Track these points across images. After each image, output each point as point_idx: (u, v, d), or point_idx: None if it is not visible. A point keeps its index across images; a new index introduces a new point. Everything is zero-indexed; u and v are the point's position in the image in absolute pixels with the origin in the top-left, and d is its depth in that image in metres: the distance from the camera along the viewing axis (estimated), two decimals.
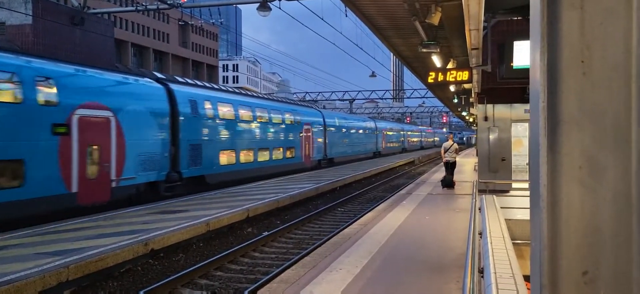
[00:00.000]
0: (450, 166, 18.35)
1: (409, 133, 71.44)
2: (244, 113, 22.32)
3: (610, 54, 1.40)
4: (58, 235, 9.79)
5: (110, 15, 25.89)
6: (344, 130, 38.72)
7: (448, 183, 18.09)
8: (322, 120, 33.24)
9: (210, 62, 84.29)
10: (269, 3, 19.02)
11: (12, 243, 9.08)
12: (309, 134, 30.20)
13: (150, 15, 67.33)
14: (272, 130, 25.16)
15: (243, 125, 22.01)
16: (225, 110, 20.57)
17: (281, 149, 26.00)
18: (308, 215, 15.15)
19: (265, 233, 12.37)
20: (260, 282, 8.32)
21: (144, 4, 20.39)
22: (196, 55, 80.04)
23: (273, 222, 14.27)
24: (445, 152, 18.44)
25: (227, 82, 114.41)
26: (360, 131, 44.87)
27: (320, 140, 32.48)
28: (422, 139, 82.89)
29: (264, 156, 23.93)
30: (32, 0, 17.79)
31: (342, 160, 37.25)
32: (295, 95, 69.47)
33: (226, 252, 10.28)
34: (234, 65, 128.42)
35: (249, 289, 8.13)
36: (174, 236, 10.25)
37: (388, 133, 55.97)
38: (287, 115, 27.53)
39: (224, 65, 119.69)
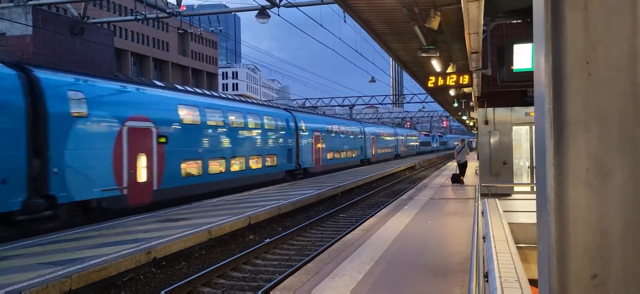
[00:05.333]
0: (461, 166, 21.90)
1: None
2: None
3: (615, 55, 1.39)
4: (59, 245, 9.76)
5: (109, 24, 25.96)
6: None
7: (455, 179, 21.50)
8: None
9: (209, 69, 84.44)
10: (267, 10, 19.06)
11: (13, 253, 9.06)
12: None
13: (150, 24, 67.50)
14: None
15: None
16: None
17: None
18: (310, 221, 15.12)
19: (267, 240, 12.34)
20: (263, 289, 8.29)
21: (143, 13, 20.39)
22: (196, 63, 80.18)
23: (275, 229, 14.24)
24: (457, 154, 22.31)
25: (226, 90, 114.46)
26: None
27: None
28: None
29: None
30: (33, 11, 17.82)
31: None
32: (295, 102, 69.55)
33: (228, 260, 10.25)
34: (233, 72, 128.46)
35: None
36: (176, 244, 10.22)
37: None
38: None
39: (223, 72, 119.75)
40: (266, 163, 23.28)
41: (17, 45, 17.49)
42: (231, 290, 8.75)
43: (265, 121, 23.72)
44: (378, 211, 14.70)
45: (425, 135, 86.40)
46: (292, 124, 26.93)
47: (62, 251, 9.21)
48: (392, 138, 55.71)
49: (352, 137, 39.66)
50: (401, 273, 7.32)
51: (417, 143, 72.50)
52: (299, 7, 19.15)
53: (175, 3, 20.60)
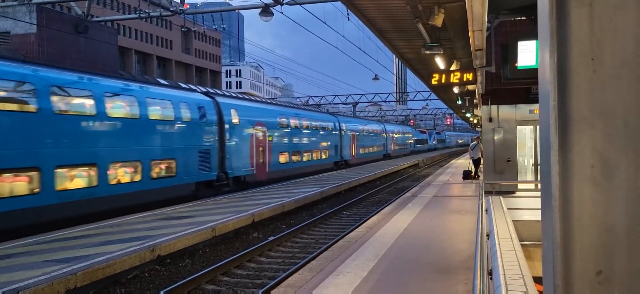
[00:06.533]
0: (475, 162, 22.74)
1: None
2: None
3: (621, 51, 1.39)
4: (65, 243, 9.81)
5: (113, 22, 26.02)
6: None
7: (466, 175, 22.40)
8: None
9: (213, 67, 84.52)
10: (271, 8, 19.06)
11: (19, 251, 9.10)
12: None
13: (153, 22, 67.64)
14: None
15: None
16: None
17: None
18: (313, 219, 15.13)
19: (271, 238, 12.36)
20: (267, 286, 8.31)
21: (147, 11, 20.42)
22: (199, 61, 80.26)
23: (278, 227, 14.26)
24: (471, 150, 23.19)
25: (230, 88, 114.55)
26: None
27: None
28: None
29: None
30: (37, 9, 17.89)
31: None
32: (298, 100, 69.38)
33: (232, 257, 10.28)
34: (237, 70, 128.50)
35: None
36: (180, 242, 10.25)
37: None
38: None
39: (227, 70, 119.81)
40: (153, 174, 15.54)
41: (21, 44, 17.57)
42: (235, 287, 8.78)
43: (152, 108, 15.80)
44: (381, 209, 14.71)
45: (421, 132, 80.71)
46: (212, 115, 19.03)
47: (68, 248, 9.25)
48: (379, 135, 48.39)
49: (322, 133, 31.68)
50: (405, 270, 7.32)
51: (412, 141, 66.94)
52: (302, 5, 19.14)
53: (178, 1, 20.62)
